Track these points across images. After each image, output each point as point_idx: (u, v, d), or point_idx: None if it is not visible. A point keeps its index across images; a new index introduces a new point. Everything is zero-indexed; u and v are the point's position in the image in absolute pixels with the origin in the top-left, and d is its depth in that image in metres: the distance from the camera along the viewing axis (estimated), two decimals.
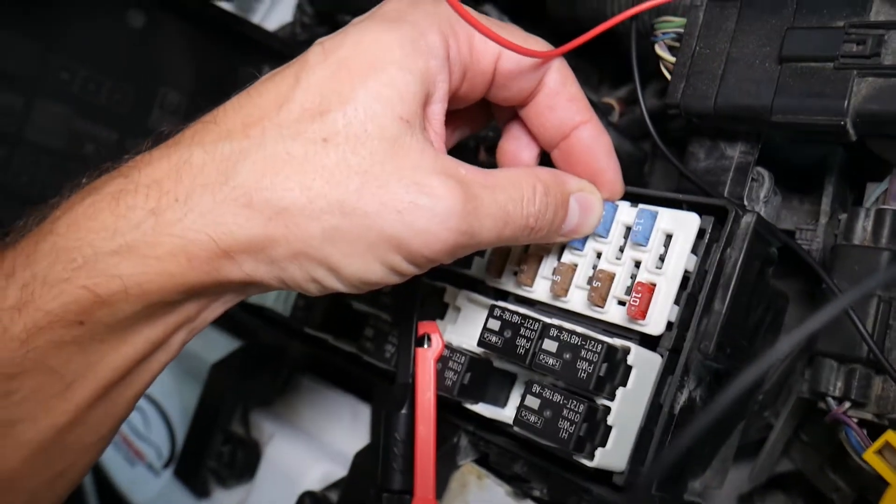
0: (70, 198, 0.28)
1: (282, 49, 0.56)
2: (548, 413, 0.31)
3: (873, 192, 0.34)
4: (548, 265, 0.36)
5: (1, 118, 0.48)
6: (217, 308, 0.30)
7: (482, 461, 0.40)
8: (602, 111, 0.45)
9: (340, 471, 0.43)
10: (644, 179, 0.48)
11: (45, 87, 0.49)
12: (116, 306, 0.27)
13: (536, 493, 0.36)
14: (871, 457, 0.28)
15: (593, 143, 0.33)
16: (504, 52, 0.30)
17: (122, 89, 0.52)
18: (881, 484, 0.30)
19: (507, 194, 0.29)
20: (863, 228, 0.34)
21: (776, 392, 0.42)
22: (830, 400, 0.33)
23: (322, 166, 0.27)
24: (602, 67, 0.61)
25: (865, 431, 0.31)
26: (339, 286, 0.29)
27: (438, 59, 0.29)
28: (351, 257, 0.27)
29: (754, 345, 0.36)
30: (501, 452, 0.37)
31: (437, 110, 0.30)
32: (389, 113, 0.27)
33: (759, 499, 0.47)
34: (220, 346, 0.54)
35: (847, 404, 0.32)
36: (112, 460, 0.58)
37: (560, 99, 0.32)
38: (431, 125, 0.30)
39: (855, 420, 0.31)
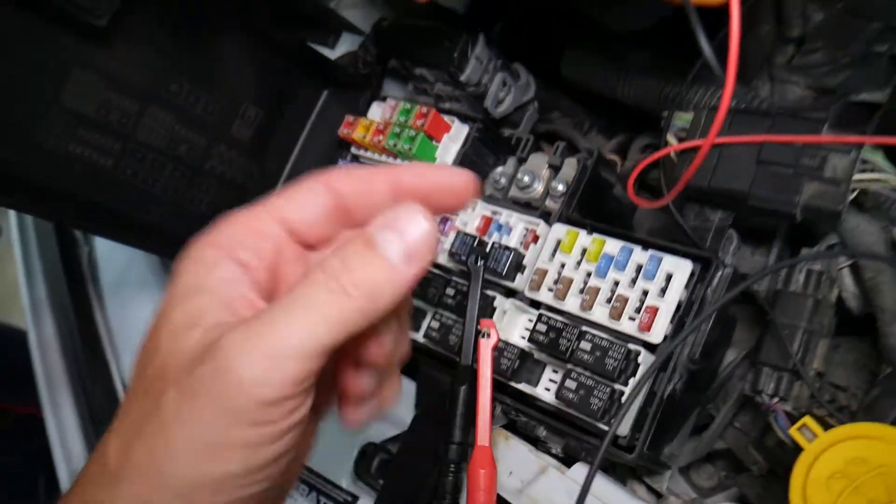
0: None
1: (344, 80, 0.67)
2: (582, 392, 0.45)
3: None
4: (576, 286, 0.49)
5: (120, 119, 0.57)
6: None
7: (509, 426, 0.53)
8: (606, 164, 0.58)
9: (391, 429, 0.55)
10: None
11: (158, 96, 0.58)
12: None
13: (555, 451, 0.50)
14: (794, 432, 0.42)
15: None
16: None
17: (214, 102, 0.62)
18: (787, 458, 0.45)
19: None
20: (796, 281, 0.49)
21: (717, 392, 0.57)
22: (765, 396, 0.48)
23: None
24: (596, 116, 0.75)
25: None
26: None
27: None
28: None
29: (717, 354, 0.50)
30: (529, 420, 0.51)
31: None
32: None
33: (693, 469, 0.62)
34: None
35: (776, 399, 0.47)
36: None
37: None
38: None
39: (783, 410, 0.46)
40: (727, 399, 0.55)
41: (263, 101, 0.65)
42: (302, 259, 0.33)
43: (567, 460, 0.49)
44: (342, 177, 0.32)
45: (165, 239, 0.63)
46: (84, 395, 0.73)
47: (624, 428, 0.45)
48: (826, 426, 0.42)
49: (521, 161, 0.58)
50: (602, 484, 0.48)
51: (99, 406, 0.72)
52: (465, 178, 0.33)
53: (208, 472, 0.28)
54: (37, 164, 0.54)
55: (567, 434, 0.48)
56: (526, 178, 0.56)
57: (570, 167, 0.56)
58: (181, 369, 0.28)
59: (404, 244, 0.29)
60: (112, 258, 0.85)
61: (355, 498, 0.55)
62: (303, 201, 0.32)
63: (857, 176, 0.44)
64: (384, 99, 0.64)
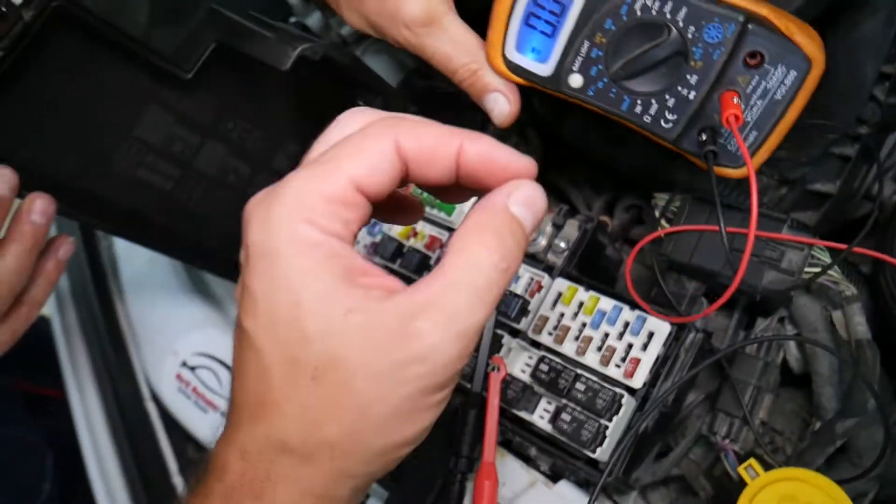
0: None
1: None
2: (574, 425, 0.54)
3: (760, 325, 0.59)
4: (573, 333, 0.59)
5: (182, 150, 0.65)
6: None
7: (504, 444, 0.62)
8: (602, 228, 0.68)
9: None
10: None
11: (216, 132, 0.66)
12: None
13: (543, 469, 0.60)
14: (741, 470, 0.53)
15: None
16: None
17: (262, 138, 0.70)
18: (733, 487, 0.55)
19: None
20: (751, 346, 0.59)
21: (678, 426, 0.68)
22: (719, 437, 0.58)
23: None
24: (588, 171, 0.84)
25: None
26: None
27: None
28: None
29: (684, 399, 0.61)
30: (523, 440, 0.60)
31: None
32: None
33: (650, 489, 0.73)
34: None
35: (728, 440, 0.58)
36: (184, 409, 0.75)
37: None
38: None
39: (732, 450, 0.56)
40: (686, 434, 0.66)
41: (302, 138, 0.73)
42: (365, 213, 0.35)
43: (553, 477, 0.59)
44: (410, 139, 0.34)
45: (206, 254, 0.71)
46: (109, 381, 0.80)
47: (605, 455, 0.55)
48: (766, 465, 0.53)
49: None
50: (580, 498, 0.58)
51: (123, 394, 0.79)
52: (525, 164, 0.35)
53: (408, 433, 0.33)
54: (109, 184, 0.62)
55: (555, 455, 0.58)
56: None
57: (571, 227, 0.66)
58: (370, 355, 0.31)
59: (535, 221, 0.35)
60: (131, 256, 0.91)
61: (366, 496, 0.64)
62: (375, 165, 0.33)
63: (806, 268, 0.54)
64: None
